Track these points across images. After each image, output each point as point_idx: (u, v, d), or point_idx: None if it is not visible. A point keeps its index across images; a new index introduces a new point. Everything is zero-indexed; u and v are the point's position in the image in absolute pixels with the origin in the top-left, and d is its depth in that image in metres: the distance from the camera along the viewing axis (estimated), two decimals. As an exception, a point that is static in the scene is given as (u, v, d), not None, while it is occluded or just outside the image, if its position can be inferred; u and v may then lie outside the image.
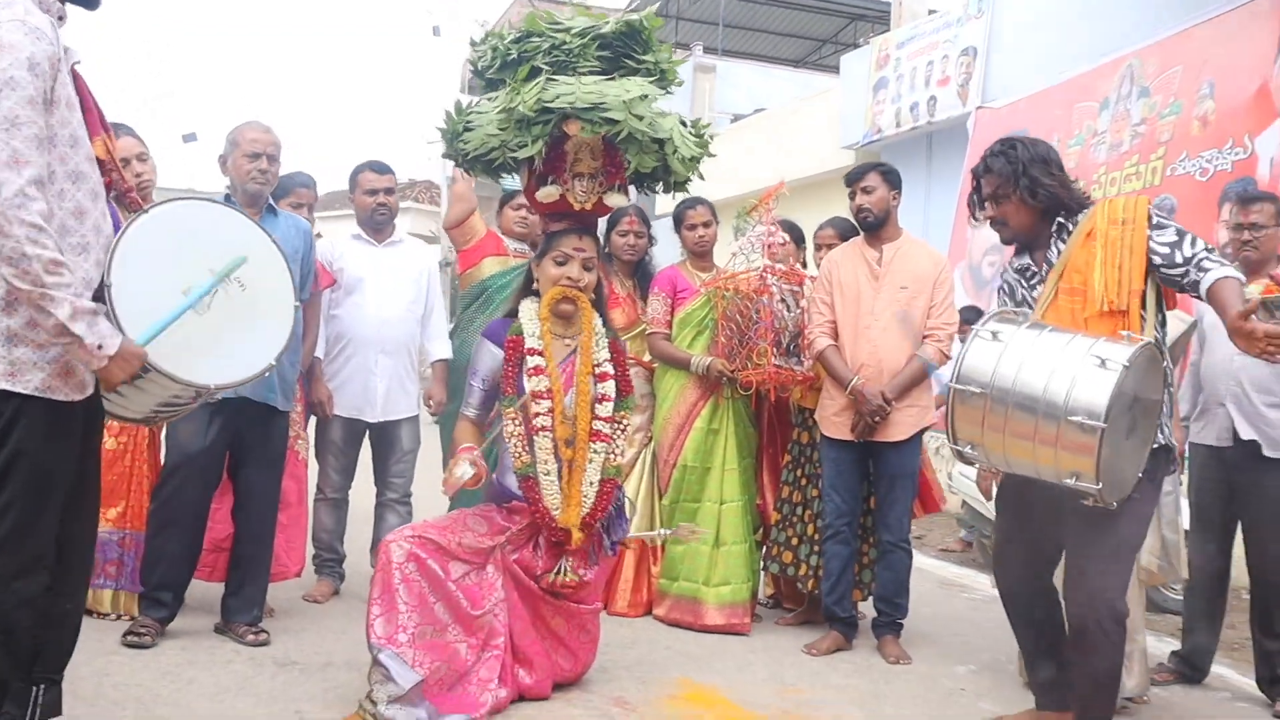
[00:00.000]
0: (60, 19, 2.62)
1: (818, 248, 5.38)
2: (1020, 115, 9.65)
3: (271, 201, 4.45)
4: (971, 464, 3.65)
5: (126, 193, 3.01)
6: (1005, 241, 3.70)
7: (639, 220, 5.38)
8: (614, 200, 3.99)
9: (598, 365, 3.90)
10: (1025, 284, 3.63)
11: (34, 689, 2.71)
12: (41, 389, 2.53)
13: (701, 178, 4.03)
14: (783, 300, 4.96)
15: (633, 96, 3.66)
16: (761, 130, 15.76)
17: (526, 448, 3.76)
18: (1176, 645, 4.73)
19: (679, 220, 5.37)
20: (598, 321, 3.98)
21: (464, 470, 3.58)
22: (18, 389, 2.51)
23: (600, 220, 4.47)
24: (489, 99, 3.92)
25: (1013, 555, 3.69)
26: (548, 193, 3.88)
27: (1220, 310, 3.16)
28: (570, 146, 3.84)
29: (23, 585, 2.56)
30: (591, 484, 3.81)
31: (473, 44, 4.02)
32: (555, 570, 3.75)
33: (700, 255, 5.36)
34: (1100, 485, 3.00)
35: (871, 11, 20.74)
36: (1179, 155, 7.63)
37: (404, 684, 3.31)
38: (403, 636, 3.39)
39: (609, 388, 3.89)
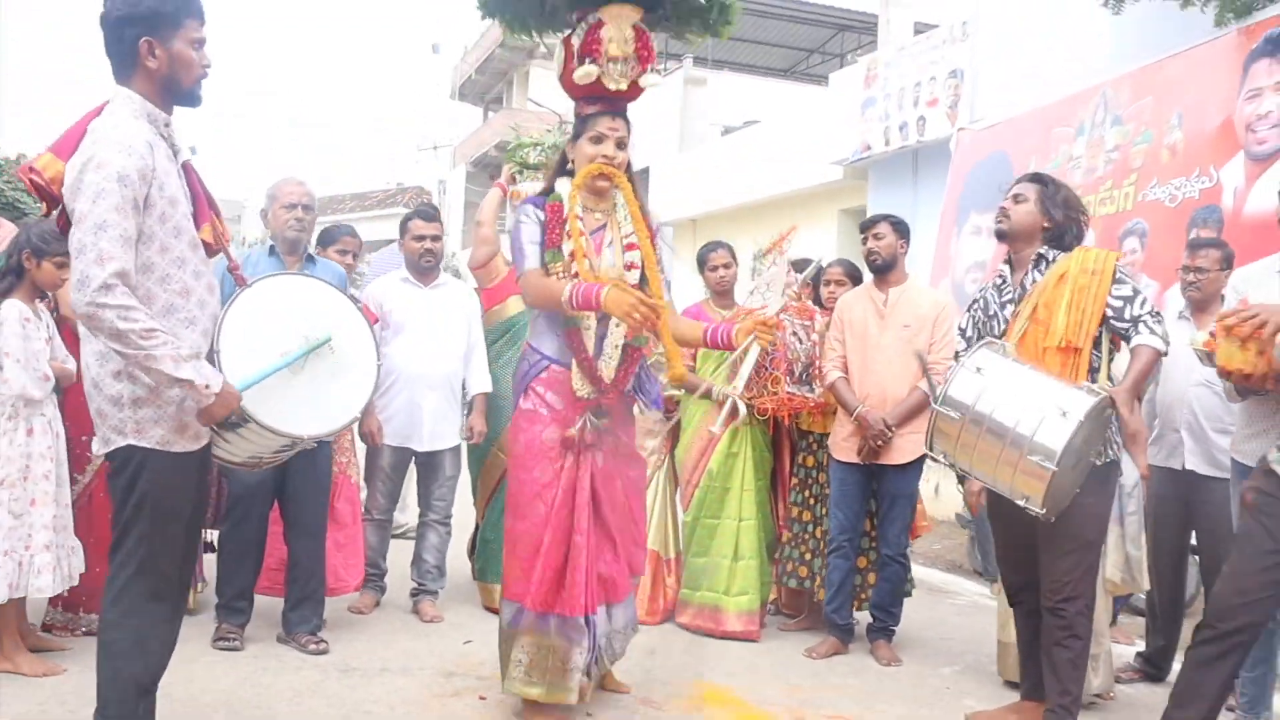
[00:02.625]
0: (166, 125, 3.09)
1: (825, 283, 5.77)
2: (1000, 137, 10.09)
3: (310, 250, 4.93)
4: (942, 464, 4.18)
5: (233, 270, 3.48)
6: (998, 233, 4.22)
7: None
8: (647, 81, 4.06)
9: (625, 236, 4.09)
10: (998, 298, 4.17)
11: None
12: (161, 443, 3.00)
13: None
14: (795, 334, 5.43)
15: None
16: (752, 143, 16.18)
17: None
18: (1141, 648, 5.21)
19: (702, 262, 5.82)
20: (623, 197, 4.11)
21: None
22: (142, 443, 2.98)
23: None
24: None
25: (1009, 556, 4.25)
26: (586, 72, 3.93)
27: (1127, 369, 3.89)
28: (605, 32, 3.93)
29: (155, 607, 3.04)
30: (616, 346, 4.04)
31: None
32: (580, 423, 3.97)
33: (721, 294, 5.78)
34: (1044, 510, 3.60)
35: (858, 22, 21.18)
36: (1150, 182, 8.08)
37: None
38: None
39: (635, 256, 4.07)
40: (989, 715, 4.29)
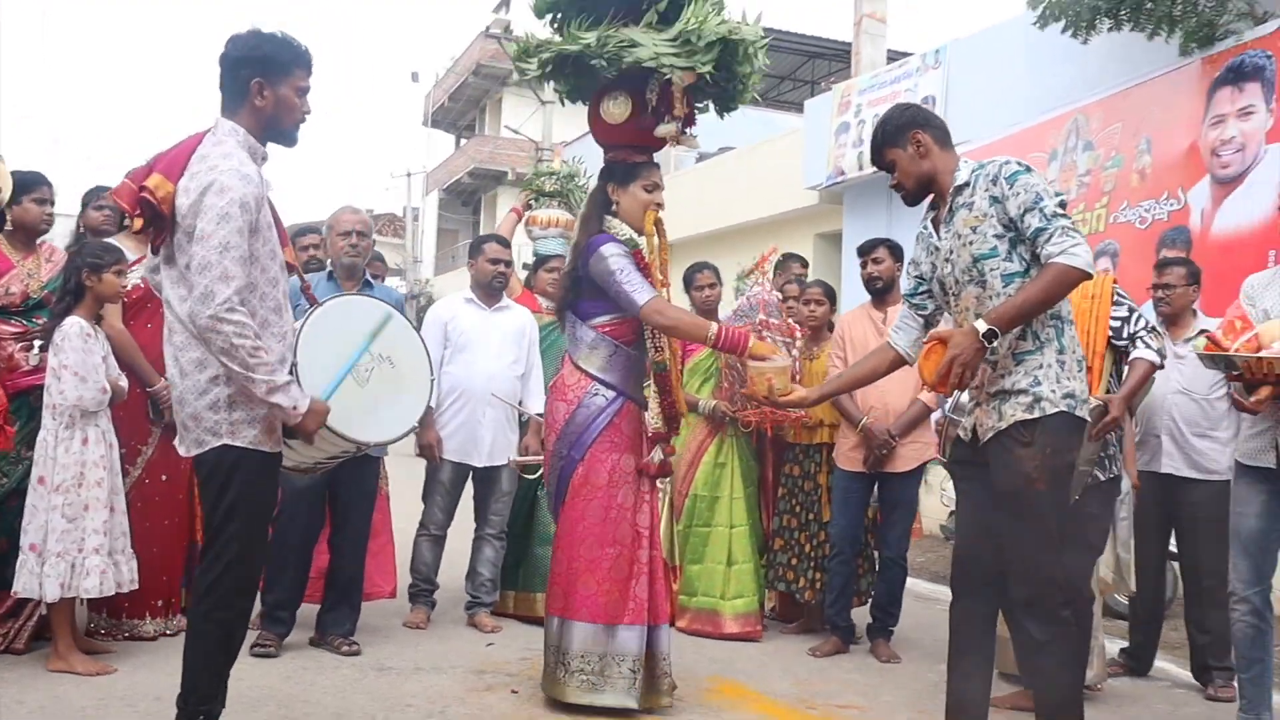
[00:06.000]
0: (264, 159, 3.37)
1: (806, 303, 5.99)
2: (975, 163, 10.43)
3: (366, 274, 5.19)
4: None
5: (305, 290, 3.75)
6: None
7: None
8: (691, 143, 4.38)
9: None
10: None
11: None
12: (253, 443, 3.25)
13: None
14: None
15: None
16: (728, 169, 16.50)
17: (661, 346, 4.29)
18: (1125, 644, 5.51)
19: (688, 282, 6.09)
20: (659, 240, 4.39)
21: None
22: (236, 443, 3.23)
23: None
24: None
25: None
26: (667, 129, 4.19)
27: (1124, 380, 4.39)
28: (676, 90, 4.15)
29: (243, 601, 3.31)
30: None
31: None
32: (654, 455, 4.32)
33: (706, 313, 6.01)
34: None
35: (829, 50, 21.66)
36: (1120, 205, 8.44)
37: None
38: None
39: (665, 294, 4.35)
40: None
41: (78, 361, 4.33)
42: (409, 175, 35.84)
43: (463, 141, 36.08)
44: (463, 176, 32.97)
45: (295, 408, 3.21)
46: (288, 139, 3.42)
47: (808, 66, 22.82)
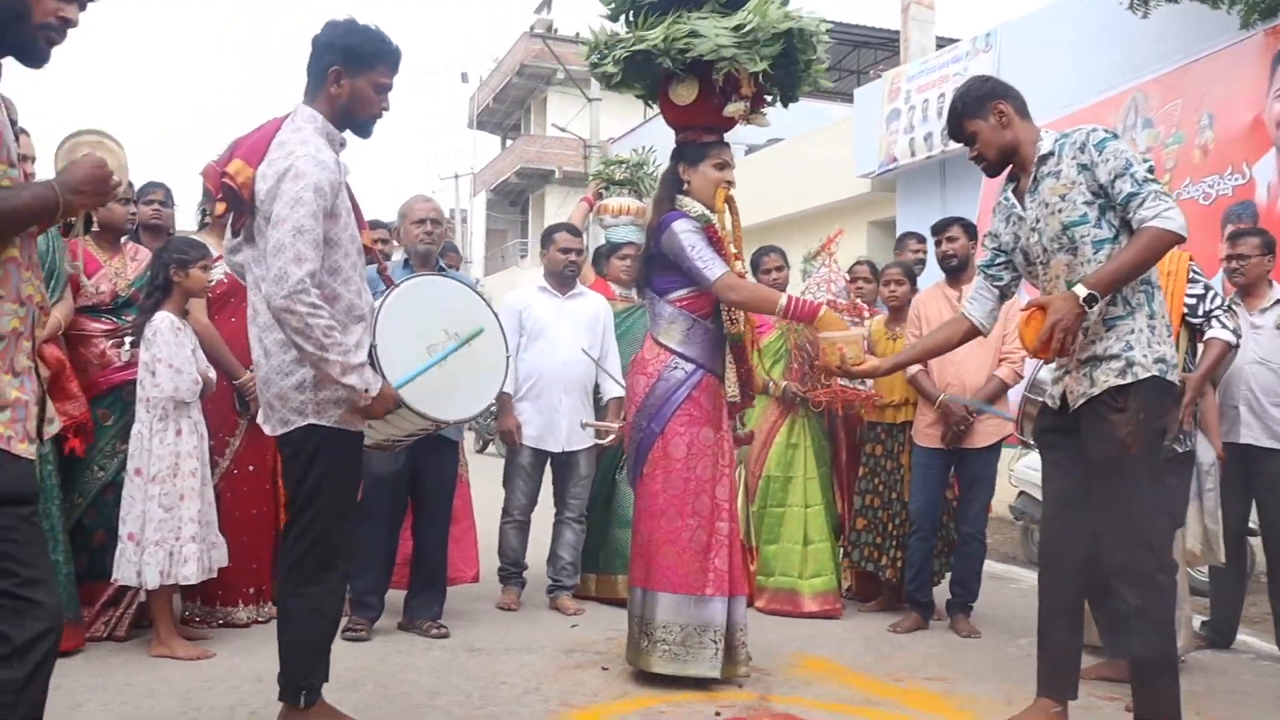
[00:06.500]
0: (342, 145, 3.43)
1: (885, 283, 6.00)
2: (1032, 145, 10.36)
3: (441, 262, 5.26)
4: (1034, 447, 4.45)
5: (382, 271, 3.82)
6: None
7: None
8: (760, 120, 4.42)
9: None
10: None
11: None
12: (339, 422, 3.32)
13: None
14: None
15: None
16: (778, 160, 16.51)
17: (736, 318, 4.38)
18: (1205, 618, 5.48)
19: (755, 265, 6.12)
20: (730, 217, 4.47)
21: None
22: (322, 422, 3.30)
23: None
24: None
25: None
26: (737, 108, 4.26)
27: (1200, 359, 4.52)
28: (742, 73, 4.20)
29: (327, 576, 3.36)
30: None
31: None
32: (737, 425, 4.46)
33: None
34: None
35: (874, 38, 21.56)
36: (1184, 181, 8.37)
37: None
38: None
39: (740, 268, 4.45)
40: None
41: (171, 354, 4.45)
42: (456, 177, 36.11)
43: (509, 142, 36.24)
44: (510, 177, 33.10)
45: (366, 390, 3.27)
46: (363, 130, 3.47)
47: (853, 56, 22.69)
